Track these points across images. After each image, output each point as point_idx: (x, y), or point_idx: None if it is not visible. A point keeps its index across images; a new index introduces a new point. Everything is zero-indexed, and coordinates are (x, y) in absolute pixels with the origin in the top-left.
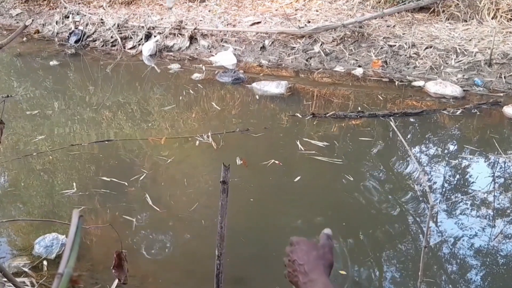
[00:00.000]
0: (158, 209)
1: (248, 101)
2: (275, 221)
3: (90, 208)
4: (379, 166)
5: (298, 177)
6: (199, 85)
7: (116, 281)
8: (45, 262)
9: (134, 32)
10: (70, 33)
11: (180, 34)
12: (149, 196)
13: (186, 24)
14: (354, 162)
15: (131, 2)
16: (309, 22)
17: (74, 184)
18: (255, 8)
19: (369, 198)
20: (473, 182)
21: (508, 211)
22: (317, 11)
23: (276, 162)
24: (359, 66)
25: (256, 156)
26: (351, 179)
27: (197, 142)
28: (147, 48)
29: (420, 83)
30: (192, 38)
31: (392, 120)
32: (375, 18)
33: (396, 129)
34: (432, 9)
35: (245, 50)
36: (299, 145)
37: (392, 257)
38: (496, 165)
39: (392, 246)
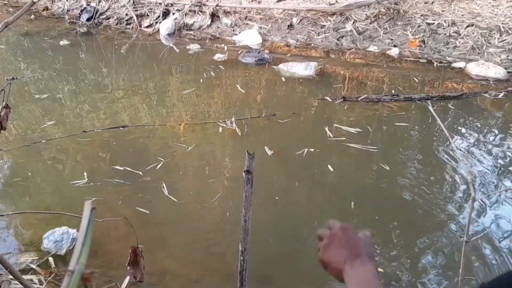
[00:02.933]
0: (176, 200)
1: (274, 83)
2: (305, 215)
3: (102, 200)
4: (417, 154)
5: (330, 167)
6: (221, 66)
7: (127, 278)
8: (50, 259)
9: (150, 9)
10: (82, 10)
11: (201, 11)
12: (167, 187)
13: (207, 1)
14: (390, 149)
15: None
16: None
17: (86, 174)
18: None
19: (406, 189)
20: None
21: None
22: None
23: (312, 150)
24: (395, 46)
25: (284, 144)
26: (387, 168)
27: (220, 128)
28: (165, 26)
29: (460, 64)
30: (214, 16)
31: (430, 104)
32: None
33: (434, 114)
34: None
35: (271, 28)
36: (329, 132)
37: (431, 252)
38: None
39: (430, 240)
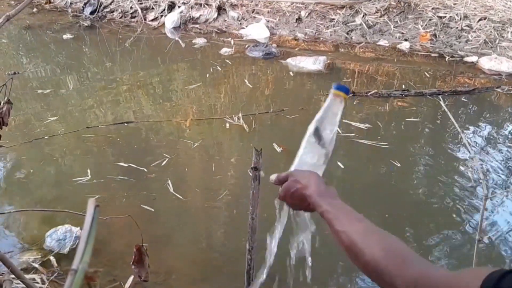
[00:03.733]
0: (181, 197)
1: (282, 78)
2: (314, 213)
3: (106, 197)
4: (428, 150)
5: (340, 164)
6: (227, 60)
7: (132, 277)
8: (52, 258)
9: (156, 2)
10: (85, 3)
11: (207, 4)
12: (172, 184)
13: None
14: (400, 146)
15: None
16: None
17: (89, 170)
18: None
19: (417, 187)
20: None
21: None
22: None
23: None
24: (405, 40)
25: (293, 140)
26: (398, 165)
27: (227, 124)
28: (171, 20)
29: (473, 58)
30: (221, 9)
31: (441, 99)
32: None
33: (446, 109)
34: None
35: (279, 22)
36: (338, 128)
37: (442, 252)
38: None
39: (442, 240)
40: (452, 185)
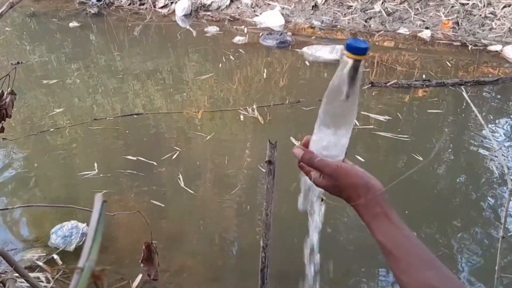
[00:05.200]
0: (192, 192)
1: (298, 68)
2: (332, 210)
3: (114, 192)
4: (451, 143)
5: (359, 157)
6: (240, 50)
7: (140, 275)
8: (55, 256)
9: None
10: None
11: None
12: (183, 178)
13: None
14: (422, 138)
15: None
16: None
17: (96, 164)
18: None
19: (439, 181)
20: None
21: None
22: None
23: None
24: (427, 28)
25: (310, 133)
26: (420, 159)
27: (241, 116)
28: (181, 7)
29: (497, 47)
30: None
31: (464, 89)
32: None
33: (469, 100)
34: None
35: (295, 9)
36: (356, 120)
37: (465, 249)
38: None
39: (464, 236)
40: (475, 179)
